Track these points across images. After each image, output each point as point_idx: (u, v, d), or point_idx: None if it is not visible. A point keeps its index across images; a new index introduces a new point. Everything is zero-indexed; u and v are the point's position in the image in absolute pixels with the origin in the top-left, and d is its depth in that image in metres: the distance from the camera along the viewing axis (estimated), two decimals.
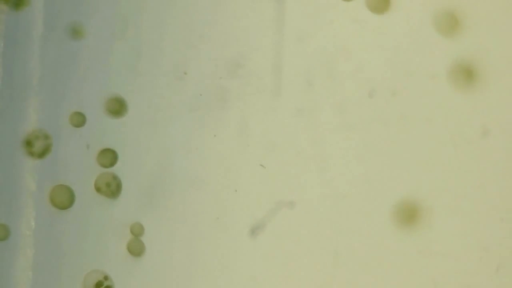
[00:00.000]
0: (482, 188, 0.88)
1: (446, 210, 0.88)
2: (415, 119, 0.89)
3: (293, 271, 0.88)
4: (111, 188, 0.88)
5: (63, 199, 0.89)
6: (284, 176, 0.89)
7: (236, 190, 0.88)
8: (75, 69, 0.89)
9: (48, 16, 0.89)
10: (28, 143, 0.88)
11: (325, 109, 0.89)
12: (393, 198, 0.88)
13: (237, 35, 0.89)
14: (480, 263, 0.87)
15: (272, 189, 0.89)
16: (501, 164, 0.88)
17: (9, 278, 0.87)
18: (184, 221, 0.88)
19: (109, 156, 0.89)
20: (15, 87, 0.89)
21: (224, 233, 0.88)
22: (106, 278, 0.88)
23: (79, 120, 0.89)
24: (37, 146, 0.89)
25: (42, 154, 0.89)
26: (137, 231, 0.88)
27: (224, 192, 0.89)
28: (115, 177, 0.89)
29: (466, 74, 0.90)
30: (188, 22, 0.90)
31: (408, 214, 0.88)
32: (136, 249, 0.88)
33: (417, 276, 0.88)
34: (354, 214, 0.88)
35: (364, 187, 0.88)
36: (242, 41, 0.89)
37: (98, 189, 0.89)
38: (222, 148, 0.89)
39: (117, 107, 0.90)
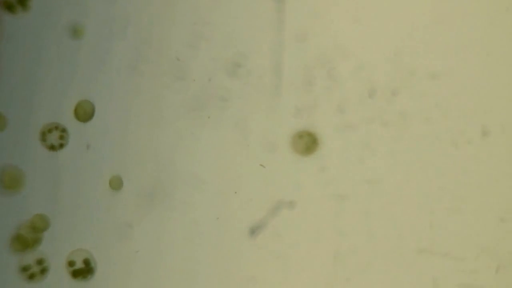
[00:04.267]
0: (482, 188, 0.88)
1: (446, 210, 0.88)
2: (415, 119, 0.89)
3: (293, 271, 0.88)
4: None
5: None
6: (284, 176, 0.89)
7: (236, 190, 0.88)
8: (75, 69, 0.89)
9: (48, 16, 0.89)
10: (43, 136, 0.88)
11: (325, 109, 0.89)
12: (392, 199, 0.88)
13: (237, 35, 0.89)
14: (480, 263, 0.87)
15: (272, 189, 0.89)
16: (501, 164, 0.88)
17: None
18: (184, 221, 0.88)
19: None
20: (15, 87, 0.89)
21: (224, 233, 0.88)
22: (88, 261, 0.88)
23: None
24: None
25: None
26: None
27: (224, 192, 0.89)
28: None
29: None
30: (188, 21, 0.90)
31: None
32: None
33: (417, 276, 0.88)
34: (354, 214, 0.88)
35: (364, 187, 0.89)
36: (242, 41, 0.89)
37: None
38: (222, 148, 0.89)
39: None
